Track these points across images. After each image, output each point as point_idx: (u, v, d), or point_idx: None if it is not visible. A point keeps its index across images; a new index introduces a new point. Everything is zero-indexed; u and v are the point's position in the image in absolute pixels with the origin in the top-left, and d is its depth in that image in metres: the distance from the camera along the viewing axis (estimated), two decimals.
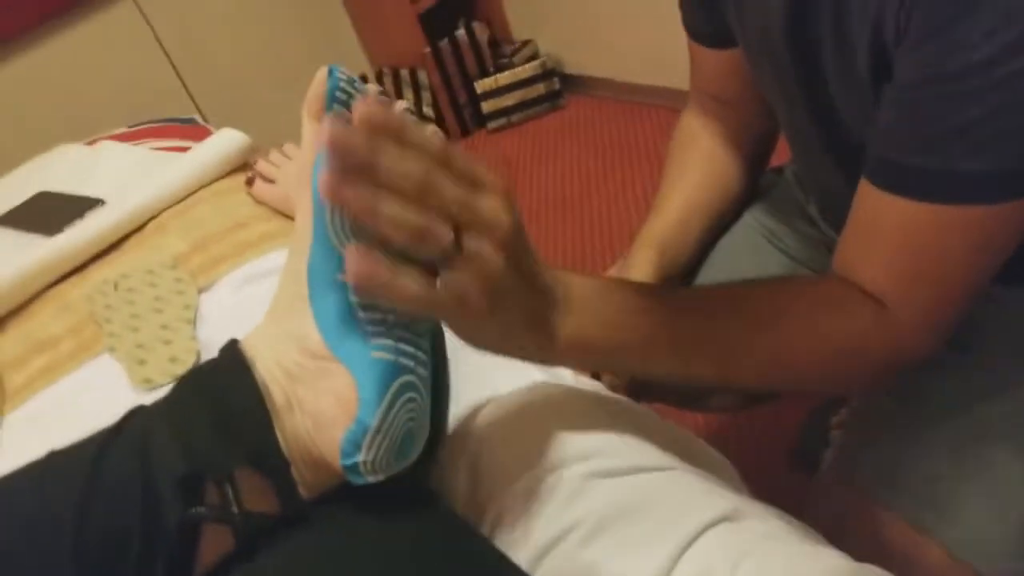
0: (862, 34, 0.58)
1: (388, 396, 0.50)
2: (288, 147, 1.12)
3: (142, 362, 0.88)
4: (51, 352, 0.97)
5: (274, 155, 1.11)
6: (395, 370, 0.51)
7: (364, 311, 0.51)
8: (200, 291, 0.98)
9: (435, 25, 2.70)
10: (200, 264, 1.02)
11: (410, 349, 0.53)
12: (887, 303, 0.62)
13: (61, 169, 1.42)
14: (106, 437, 0.52)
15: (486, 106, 2.75)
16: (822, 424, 1.36)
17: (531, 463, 0.62)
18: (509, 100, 2.73)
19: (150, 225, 1.14)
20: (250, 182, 1.14)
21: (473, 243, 0.47)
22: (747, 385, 0.69)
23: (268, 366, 0.53)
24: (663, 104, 2.48)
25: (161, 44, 2.52)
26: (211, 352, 0.87)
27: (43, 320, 1.03)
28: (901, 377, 0.67)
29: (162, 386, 0.85)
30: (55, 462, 0.53)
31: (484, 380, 0.74)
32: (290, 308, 0.54)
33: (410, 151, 0.45)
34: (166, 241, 1.09)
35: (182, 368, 0.86)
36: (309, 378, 0.52)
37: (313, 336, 0.52)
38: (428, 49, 2.67)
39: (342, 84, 0.53)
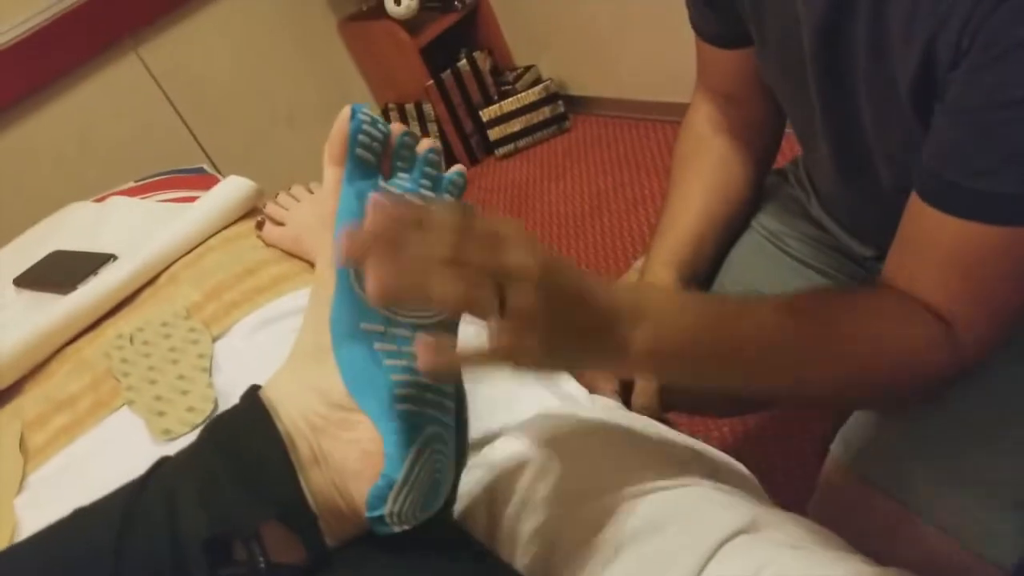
0: (908, 53, 0.57)
1: (413, 449, 0.50)
2: (296, 189, 1.11)
3: (161, 413, 0.88)
4: (70, 410, 0.97)
5: (282, 197, 1.11)
6: (420, 422, 0.51)
7: (388, 359, 0.51)
8: (214, 339, 0.98)
9: (437, 58, 2.71)
10: (213, 312, 1.02)
11: (435, 398, 0.52)
12: (948, 321, 0.61)
13: (73, 227, 1.44)
14: (132, 495, 0.51)
15: (493, 133, 2.76)
16: None
17: (546, 493, 0.61)
18: (515, 126, 2.74)
19: (163, 277, 1.14)
20: (260, 225, 1.14)
21: (516, 296, 0.47)
22: (807, 398, 0.68)
23: (291, 417, 0.52)
24: (668, 119, 2.47)
25: (166, 94, 2.55)
26: (228, 399, 0.88)
27: (61, 378, 1.03)
28: None
29: (182, 436, 0.85)
30: (82, 522, 0.52)
31: (495, 411, 0.73)
32: (312, 357, 0.53)
33: (432, 232, 0.45)
34: (179, 291, 1.09)
35: (200, 417, 0.86)
36: (333, 430, 0.52)
37: (337, 387, 0.51)
38: (431, 82, 2.68)
39: (365, 127, 0.53)
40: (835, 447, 0.77)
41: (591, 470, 0.63)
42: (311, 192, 1.10)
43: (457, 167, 0.60)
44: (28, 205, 1.83)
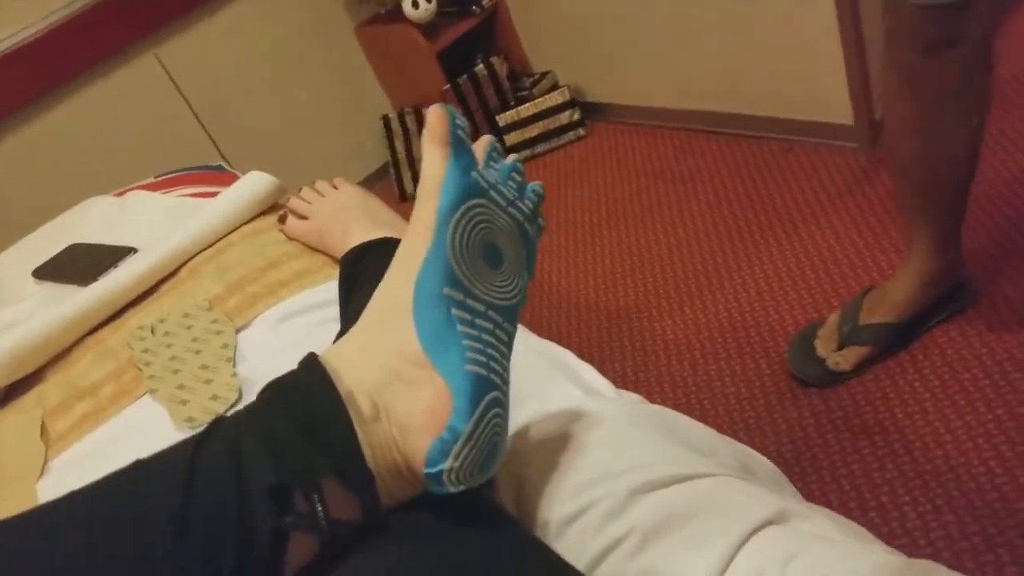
0: None
1: (480, 407, 0.53)
2: (321, 184, 1.12)
3: (184, 402, 0.88)
4: (92, 398, 0.97)
5: (307, 192, 1.12)
6: (487, 384, 0.54)
7: (462, 326, 0.55)
8: (237, 331, 0.98)
9: (454, 62, 2.72)
10: (236, 305, 1.02)
11: (499, 368, 0.56)
12: None
13: (92, 221, 1.44)
14: (195, 447, 0.53)
15: (510, 138, 2.76)
16: (807, 343, 1.58)
17: (575, 481, 0.62)
18: (532, 131, 2.74)
19: (183, 270, 1.15)
20: (282, 219, 1.14)
21: None
22: None
23: (355, 375, 0.55)
24: (684, 126, 2.47)
25: (183, 95, 2.57)
26: (252, 388, 0.88)
27: (83, 367, 1.03)
28: None
29: (205, 424, 0.85)
30: (147, 472, 0.54)
31: (522, 403, 0.74)
32: (388, 315, 0.57)
33: None
34: (200, 284, 1.09)
35: (224, 405, 0.86)
36: (401, 385, 0.54)
37: (412, 344, 0.55)
38: (448, 86, 2.69)
39: (458, 116, 0.59)
40: None
41: (619, 460, 0.63)
42: (335, 188, 1.10)
43: (537, 181, 0.65)
44: (42, 198, 1.84)
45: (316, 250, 1.10)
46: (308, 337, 0.92)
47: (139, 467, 0.53)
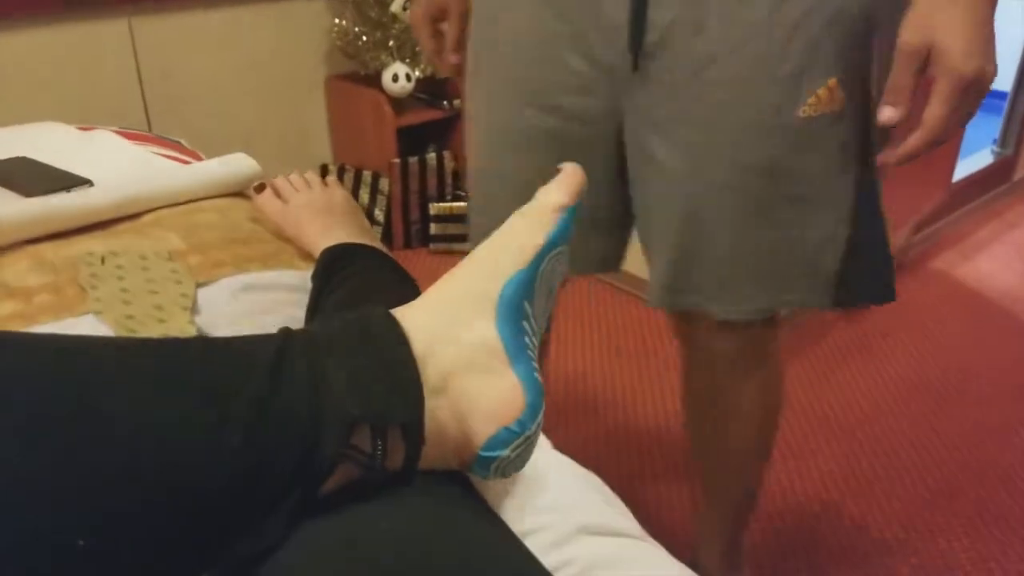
0: None
1: (541, 413, 0.59)
2: (311, 175, 1.13)
3: (132, 332, 0.87)
4: (23, 301, 0.94)
5: (296, 177, 1.12)
6: (543, 395, 0.60)
7: (526, 338, 0.61)
8: (198, 286, 0.97)
9: (407, 142, 2.81)
10: (199, 264, 1.02)
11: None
12: None
13: (45, 143, 1.40)
14: (281, 342, 0.54)
15: (434, 228, 2.84)
16: None
17: (532, 504, 0.68)
18: (458, 229, 2.83)
19: (147, 216, 1.14)
20: (259, 189, 1.13)
21: None
22: None
23: (428, 345, 0.57)
24: (594, 278, 2.62)
25: (139, 71, 2.54)
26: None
27: (17, 270, 1.00)
28: None
29: None
30: (226, 353, 0.54)
31: None
32: (470, 300, 0.61)
33: None
34: (163, 235, 1.08)
35: None
36: (477, 371, 0.58)
37: (494, 337, 0.59)
38: (397, 160, 2.76)
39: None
40: None
41: (567, 499, 0.70)
42: (326, 185, 1.12)
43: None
44: None
45: (283, 238, 1.11)
46: (271, 310, 0.93)
47: (212, 344, 0.54)
